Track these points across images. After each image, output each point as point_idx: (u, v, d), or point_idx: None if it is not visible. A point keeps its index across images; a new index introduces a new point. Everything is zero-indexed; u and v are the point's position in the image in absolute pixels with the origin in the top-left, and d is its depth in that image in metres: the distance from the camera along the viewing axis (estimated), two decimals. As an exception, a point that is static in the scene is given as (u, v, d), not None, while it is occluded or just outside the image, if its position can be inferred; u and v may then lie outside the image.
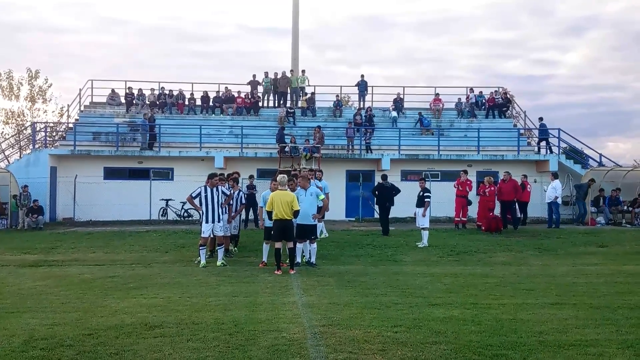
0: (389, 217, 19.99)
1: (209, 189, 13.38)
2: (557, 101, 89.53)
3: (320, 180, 16.92)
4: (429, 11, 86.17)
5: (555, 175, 23.10)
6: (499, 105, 31.29)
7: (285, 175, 13.03)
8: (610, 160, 28.47)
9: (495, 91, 32.07)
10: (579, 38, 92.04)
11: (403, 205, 24.02)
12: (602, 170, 26.37)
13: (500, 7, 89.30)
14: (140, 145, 26.84)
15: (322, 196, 13.55)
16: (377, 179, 26.67)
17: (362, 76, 31.88)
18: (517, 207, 21.41)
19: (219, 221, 13.38)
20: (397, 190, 19.73)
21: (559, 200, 22.35)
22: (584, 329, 7.51)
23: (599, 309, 8.68)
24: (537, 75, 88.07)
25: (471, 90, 32.08)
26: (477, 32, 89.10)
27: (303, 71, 31.70)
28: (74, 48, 77.87)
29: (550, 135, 27.97)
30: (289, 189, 12.69)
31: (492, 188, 20.77)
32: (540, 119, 28.46)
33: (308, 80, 31.50)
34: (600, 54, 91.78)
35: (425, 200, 16.84)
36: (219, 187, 13.57)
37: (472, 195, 22.08)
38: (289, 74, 31.08)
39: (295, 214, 12.39)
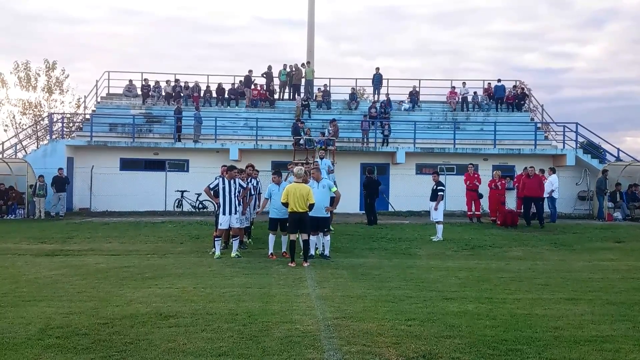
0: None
1: (226, 181, 13.28)
2: (575, 95, 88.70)
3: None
4: (445, 2, 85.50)
5: (552, 170, 22.87)
6: (516, 97, 31.03)
7: (302, 168, 12.99)
8: (628, 155, 28.11)
9: (514, 86, 31.84)
10: (598, 30, 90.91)
11: (418, 199, 24.01)
12: (620, 165, 26.06)
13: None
14: (193, 137, 27.04)
15: (335, 188, 13.52)
16: (392, 172, 26.71)
17: (377, 69, 31.72)
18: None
19: (235, 213, 13.38)
20: (380, 183, 21.76)
21: (555, 195, 22.13)
22: (600, 324, 7.43)
23: (615, 305, 8.58)
24: (555, 68, 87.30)
25: (464, 84, 31.73)
26: (494, 23, 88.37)
27: (308, 63, 31.19)
28: (89, 39, 78.48)
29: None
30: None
31: (503, 181, 20.83)
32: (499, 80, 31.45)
33: (313, 73, 31.13)
34: (620, 47, 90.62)
35: (439, 193, 16.71)
36: (236, 180, 13.55)
37: (484, 189, 21.94)
38: (301, 66, 30.89)
39: (311, 207, 12.36)
